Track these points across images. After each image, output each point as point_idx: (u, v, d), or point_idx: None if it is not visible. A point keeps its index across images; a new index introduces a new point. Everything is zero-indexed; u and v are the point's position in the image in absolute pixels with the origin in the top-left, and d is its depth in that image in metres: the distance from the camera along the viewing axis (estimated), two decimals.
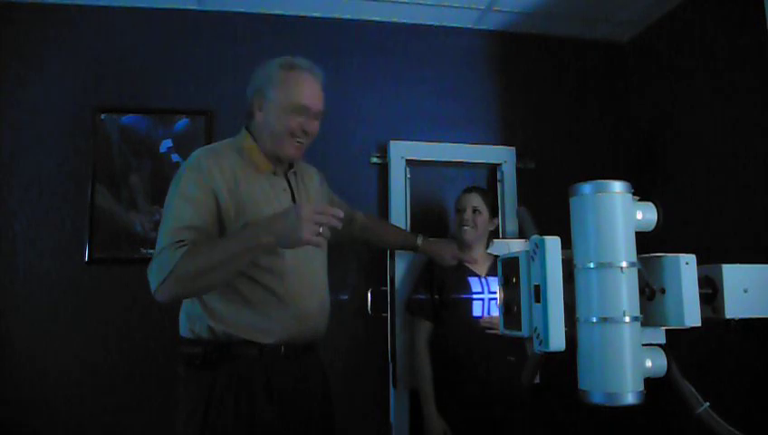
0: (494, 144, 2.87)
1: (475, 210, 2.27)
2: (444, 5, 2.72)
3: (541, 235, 1.01)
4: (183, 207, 1.51)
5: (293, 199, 1.69)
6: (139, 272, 2.47)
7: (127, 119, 2.61)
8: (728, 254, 1.15)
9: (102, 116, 2.58)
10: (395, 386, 2.47)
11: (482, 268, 2.29)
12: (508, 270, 1.12)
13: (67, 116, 2.58)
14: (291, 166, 1.75)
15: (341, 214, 1.41)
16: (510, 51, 2.99)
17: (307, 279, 1.63)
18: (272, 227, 1.42)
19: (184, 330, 1.60)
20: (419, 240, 2.23)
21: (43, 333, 2.44)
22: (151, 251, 2.50)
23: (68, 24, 2.62)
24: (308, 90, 1.63)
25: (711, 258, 1.10)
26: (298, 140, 1.64)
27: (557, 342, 0.96)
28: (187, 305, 1.61)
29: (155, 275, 1.44)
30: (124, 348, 2.48)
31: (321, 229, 1.39)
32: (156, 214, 2.56)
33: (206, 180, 1.53)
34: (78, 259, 2.49)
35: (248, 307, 1.55)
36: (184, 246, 1.43)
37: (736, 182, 2.28)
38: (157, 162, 2.61)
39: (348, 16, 2.83)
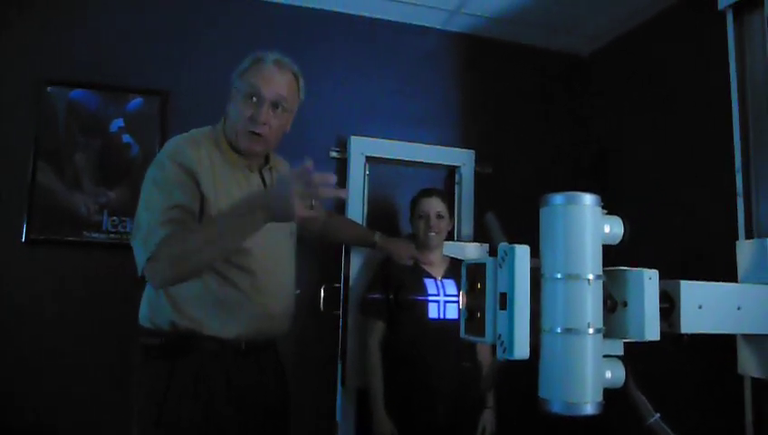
0: (453, 146, 2.88)
1: (438, 215, 2.27)
2: (413, 4, 2.71)
3: (510, 242, 1.01)
4: (169, 189, 1.46)
5: None
6: (80, 255, 2.41)
7: (76, 93, 2.47)
8: (673, 271, 1.18)
9: (49, 88, 2.44)
10: (343, 384, 2.44)
11: (438, 270, 2.29)
12: (473, 276, 1.11)
13: (10, 86, 2.42)
14: (266, 162, 1.71)
15: (332, 178, 1.30)
16: (474, 54, 3.01)
17: (276, 278, 1.61)
18: (264, 201, 1.34)
19: (144, 320, 1.56)
20: (377, 237, 2.22)
21: None
22: (96, 235, 2.42)
23: None
24: (265, 78, 1.58)
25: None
26: (253, 130, 1.57)
27: (521, 350, 0.96)
28: (150, 296, 1.55)
29: (142, 253, 1.39)
30: (62, 333, 2.35)
31: (312, 202, 1.29)
32: (101, 196, 2.44)
33: (187, 166, 1.48)
34: (15, 239, 2.34)
35: (214, 303, 1.51)
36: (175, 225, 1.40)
37: (686, 201, 2.35)
38: (106, 142, 2.48)
39: (315, 6, 2.77)
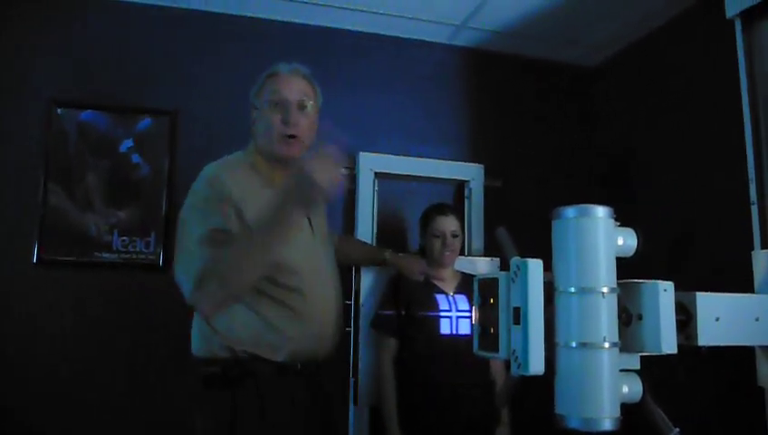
0: (462, 160, 2.87)
1: (454, 235, 2.25)
2: (419, 19, 2.72)
3: (522, 256, 1.00)
4: (204, 214, 1.46)
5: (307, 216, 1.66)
6: (91, 275, 2.42)
7: (86, 115, 2.50)
8: (688, 282, 1.16)
9: (59, 110, 2.47)
10: (356, 402, 2.42)
11: (449, 286, 2.27)
12: (485, 290, 1.10)
13: (21, 108, 2.45)
14: None
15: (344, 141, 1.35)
16: (481, 68, 3.02)
17: (326, 297, 1.61)
18: (292, 198, 1.35)
19: (198, 350, 1.55)
20: (387, 254, 2.21)
21: None
22: (106, 255, 2.43)
23: (27, 9, 2.50)
24: (284, 84, 1.62)
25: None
26: (285, 134, 1.59)
27: (536, 365, 0.94)
28: (200, 326, 1.54)
29: (186, 283, 1.40)
30: (73, 352, 2.35)
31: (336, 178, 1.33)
32: (112, 216, 2.45)
33: (224, 190, 1.48)
34: (25, 260, 2.36)
35: (268, 327, 1.49)
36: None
37: (700, 212, 2.32)
38: (116, 162, 2.50)
39: (321, 24, 2.79)
